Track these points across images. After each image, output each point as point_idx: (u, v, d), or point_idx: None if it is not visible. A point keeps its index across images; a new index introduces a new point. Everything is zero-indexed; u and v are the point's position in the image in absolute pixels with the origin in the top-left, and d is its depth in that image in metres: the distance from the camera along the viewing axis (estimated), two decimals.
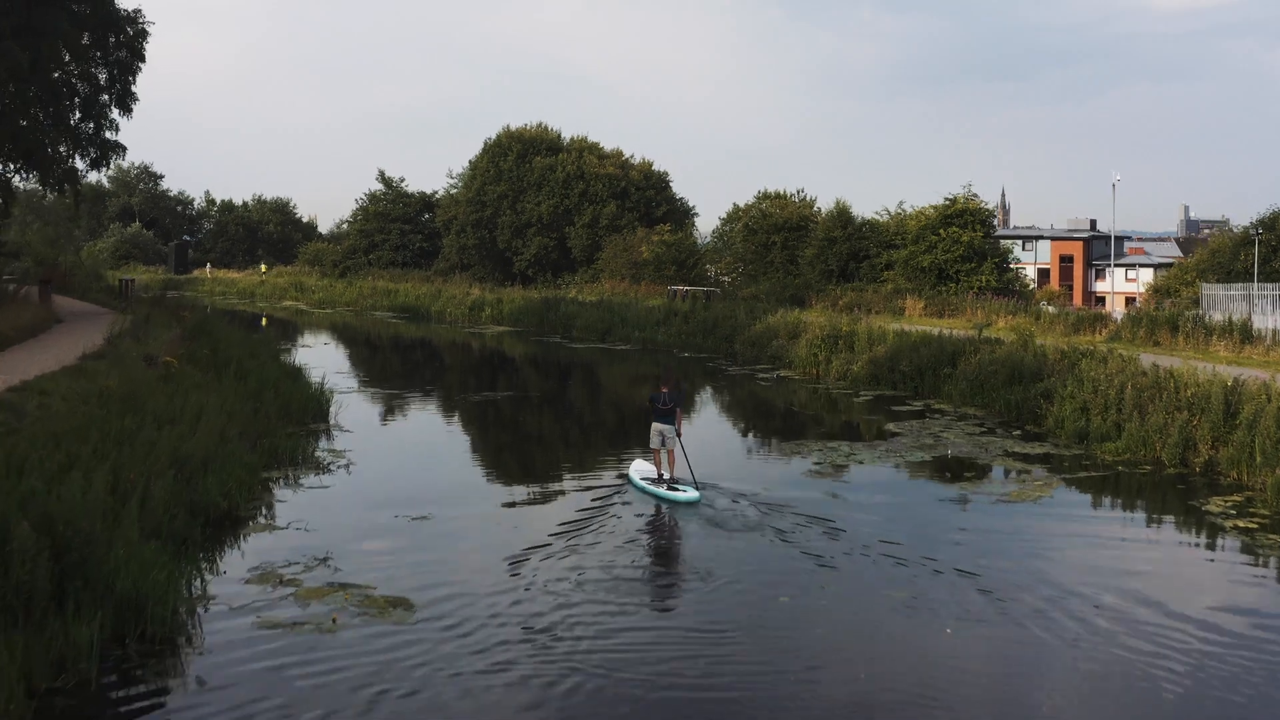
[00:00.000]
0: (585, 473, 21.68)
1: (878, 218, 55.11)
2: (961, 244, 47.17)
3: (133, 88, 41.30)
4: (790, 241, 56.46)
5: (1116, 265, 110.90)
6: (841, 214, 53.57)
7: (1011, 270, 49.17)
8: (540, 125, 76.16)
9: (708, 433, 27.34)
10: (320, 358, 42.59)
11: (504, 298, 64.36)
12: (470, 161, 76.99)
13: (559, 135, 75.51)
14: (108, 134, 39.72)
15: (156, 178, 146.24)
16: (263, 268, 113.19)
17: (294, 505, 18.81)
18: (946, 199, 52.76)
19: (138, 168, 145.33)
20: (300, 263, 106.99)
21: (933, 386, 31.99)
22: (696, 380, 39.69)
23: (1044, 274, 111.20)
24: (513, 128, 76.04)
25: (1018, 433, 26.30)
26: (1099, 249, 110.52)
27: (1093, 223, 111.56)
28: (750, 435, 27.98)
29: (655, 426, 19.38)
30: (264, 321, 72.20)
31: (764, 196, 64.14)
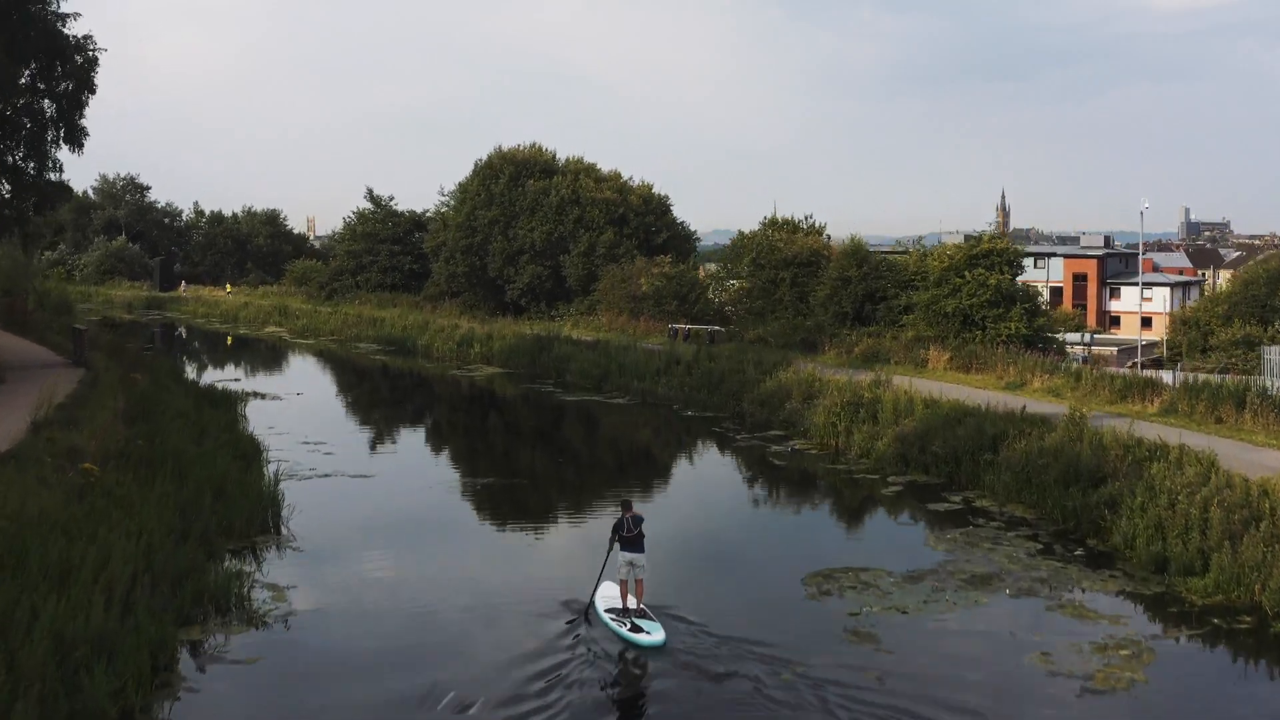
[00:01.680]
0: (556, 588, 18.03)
1: (896, 256, 51.22)
2: (988, 288, 43.40)
3: (81, 120, 37.57)
4: (800, 278, 52.65)
5: (1132, 284, 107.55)
6: (856, 250, 49.74)
7: (1043, 315, 45.33)
8: (534, 146, 72.23)
9: (703, 538, 23.74)
10: (288, 416, 38.91)
11: (494, 333, 60.53)
12: (460, 184, 73.04)
13: (554, 156, 71.61)
14: (51, 175, 35.97)
15: (143, 189, 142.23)
16: (228, 287, 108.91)
17: (208, 700, 15.06)
18: (970, 237, 48.83)
19: (124, 179, 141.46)
20: (287, 281, 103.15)
21: (971, 474, 28.16)
22: (700, 449, 35.97)
23: (1057, 292, 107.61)
24: (505, 148, 72.16)
25: (1080, 551, 22.53)
26: (1113, 266, 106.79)
27: (1107, 239, 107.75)
28: (756, 546, 24.03)
29: (623, 557, 18.09)
30: (229, 340, 68.95)
31: (771, 223, 60.44)
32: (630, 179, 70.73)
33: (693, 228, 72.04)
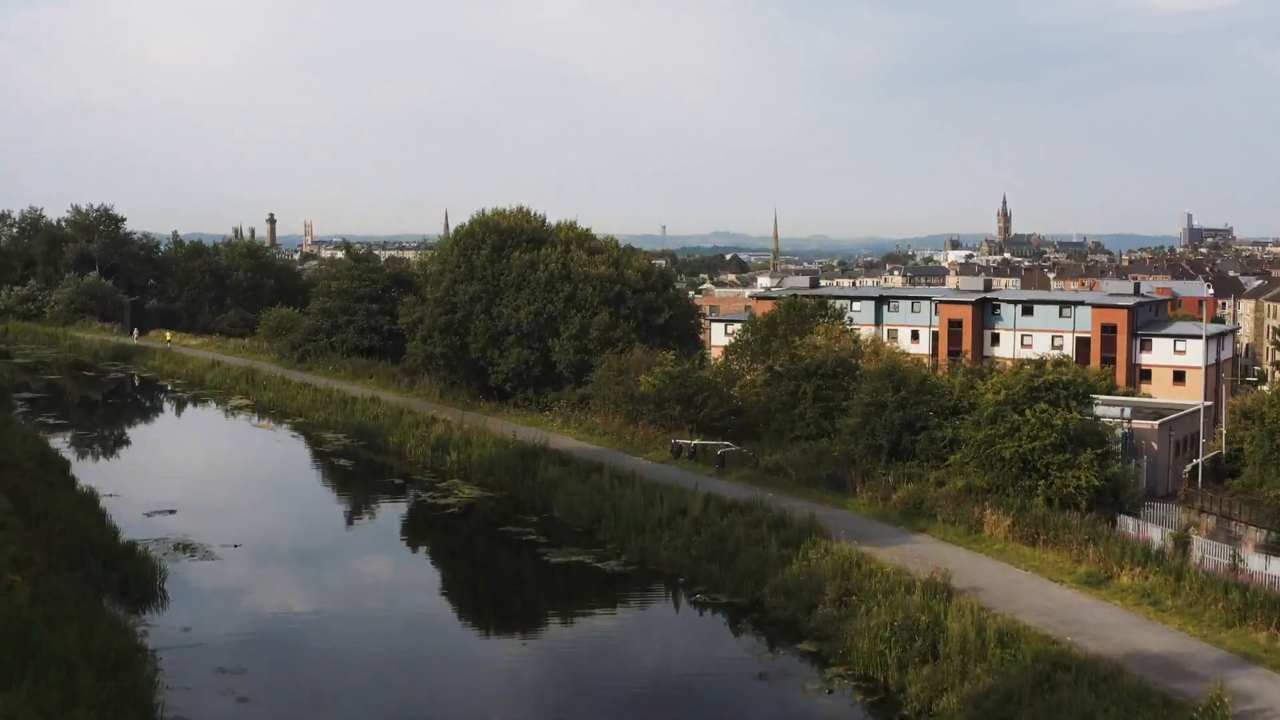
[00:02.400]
0: None
1: (938, 378, 44.08)
2: (1053, 429, 36.38)
3: None
4: (825, 390, 45.66)
5: (1164, 337, 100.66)
6: (892, 371, 42.66)
7: (1116, 463, 38.09)
8: (521, 210, 65.11)
9: None
10: (225, 597, 31.59)
11: (474, 434, 53.49)
12: (437, 253, 66.00)
13: (543, 222, 64.46)
14: None
15: (117, 221, 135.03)
16: (168, 336, 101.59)
17: None
18: (1032, 362, 41.71)
19: (97, 210, 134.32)
20: (261, 333, 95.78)
21: None
22: (720, 684, 28.44)
23: (1084, 343, 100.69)
24: (488, 212, 65.02)
25: None
26: (1143, 315, 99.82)
27: (1136, 285, 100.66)
28: None
29: None
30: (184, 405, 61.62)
31: (790, 305, 53.55)
32: (627, 248, 63.75)
33: (700, 306, 65.04)
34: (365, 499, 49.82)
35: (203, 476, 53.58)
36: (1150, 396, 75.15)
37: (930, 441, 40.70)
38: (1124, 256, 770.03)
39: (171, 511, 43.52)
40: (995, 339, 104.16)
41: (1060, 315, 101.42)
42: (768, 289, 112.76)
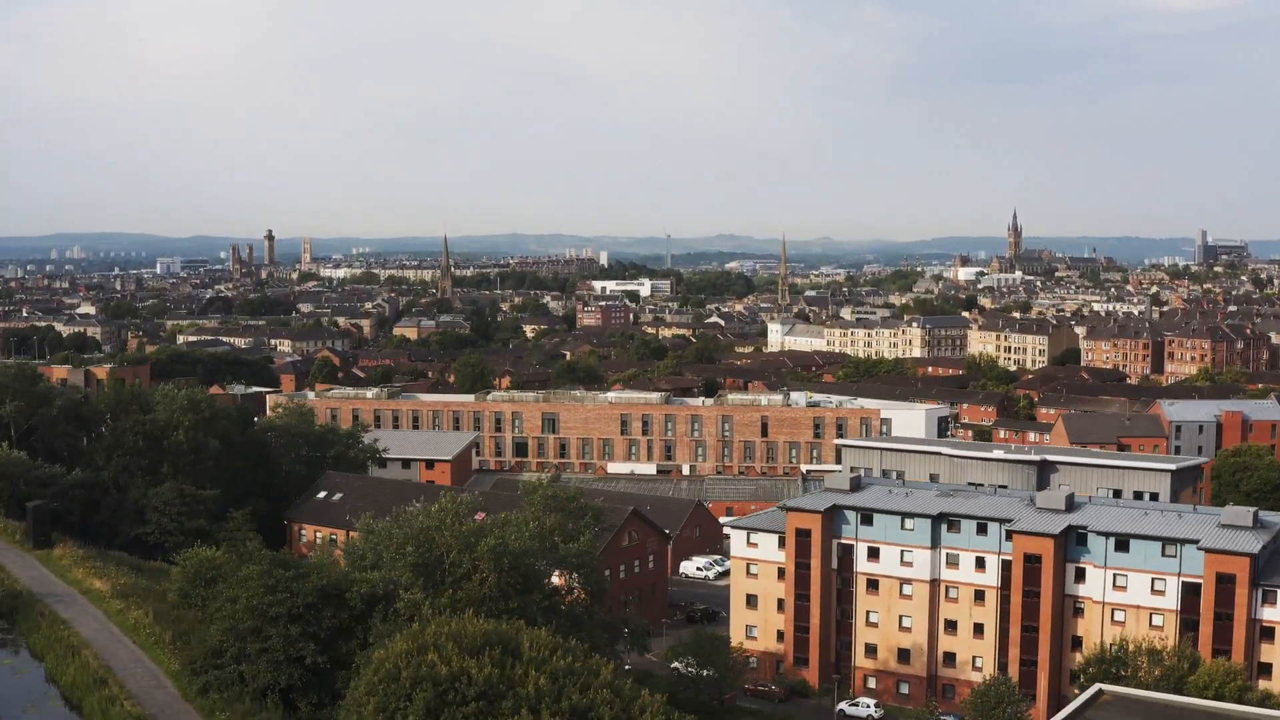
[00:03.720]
0: None
1: None
2: None
3: None
4: None
5: None
6: None
7: None
8: None
9: None
10: None
11: None
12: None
13: None
14: None
15: (36, 378, 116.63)
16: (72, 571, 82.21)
17: None
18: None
19: (13, 366, 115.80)
20: (175, 583, 76.69)
21: None
22: None
23: (1192, 590, 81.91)
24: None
25: None
26: (1272, 567, 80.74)
27: (1255, 515, 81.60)
28: None
29: None
30: None
31: None
32: None
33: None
34: None
35: None
36: None
37: None
38: (1137, 272, 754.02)
39: None
40: (1080, 575, 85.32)
41: (1163, 554, 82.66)
42: (799, 504, 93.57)
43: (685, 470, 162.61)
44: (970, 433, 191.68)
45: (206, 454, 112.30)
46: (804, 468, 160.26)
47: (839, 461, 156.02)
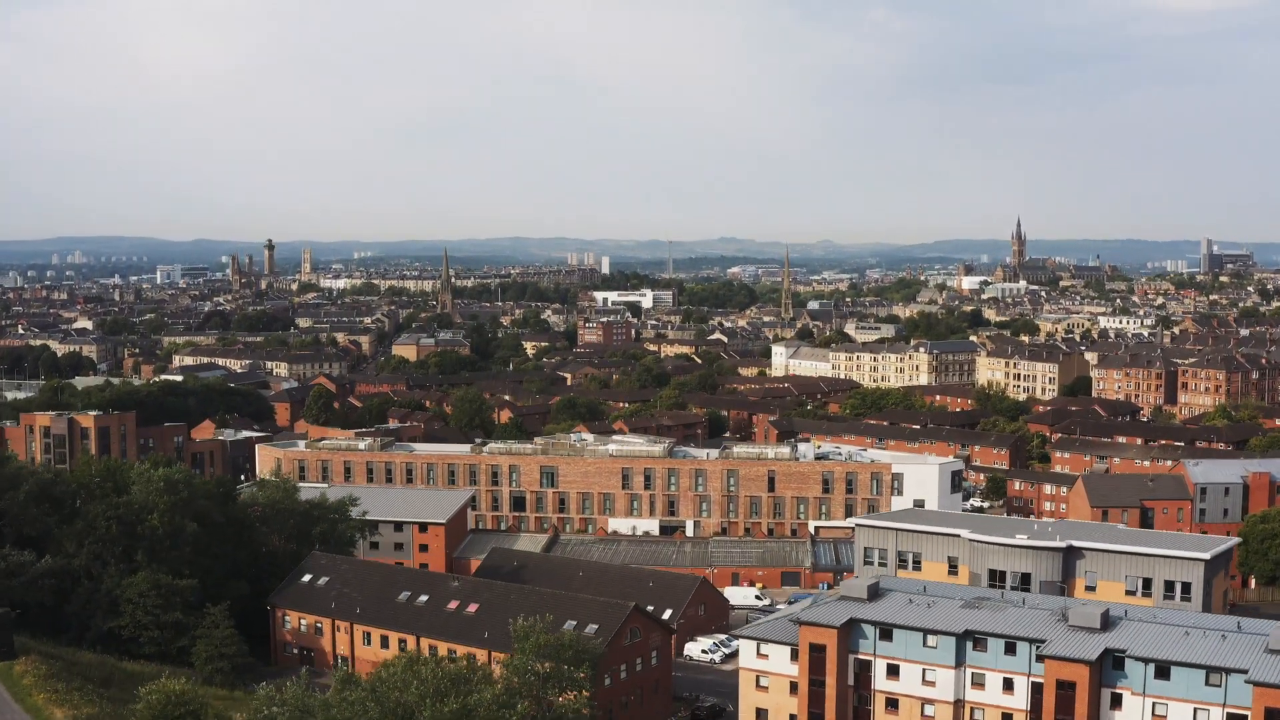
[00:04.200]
0: None
1: None
2: None
3: None
4: None
5: None
6: None
7: None
8: None
9: None
10: None
11: None
12: None
13: None
14: None
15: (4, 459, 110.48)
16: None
17: None
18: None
19: None
20: (140, 716, 70.54)
21: None
22: None
23: None
24: None
25: None
26: None
27: None
28: None
29: None
30: None
31: None
32: None
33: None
34: None
35: None
36: None
37: None
38: (1142, 281, 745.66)
39: None
40: (1116, 700, 79.10)
41: (1207, 683, 76.49)
42: (814, 618, 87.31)
43: (689, 527, 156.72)
44: (983, 476, 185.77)
45: (184, 539, 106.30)
46: (812, 524, 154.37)
47: (849, 515, 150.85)
